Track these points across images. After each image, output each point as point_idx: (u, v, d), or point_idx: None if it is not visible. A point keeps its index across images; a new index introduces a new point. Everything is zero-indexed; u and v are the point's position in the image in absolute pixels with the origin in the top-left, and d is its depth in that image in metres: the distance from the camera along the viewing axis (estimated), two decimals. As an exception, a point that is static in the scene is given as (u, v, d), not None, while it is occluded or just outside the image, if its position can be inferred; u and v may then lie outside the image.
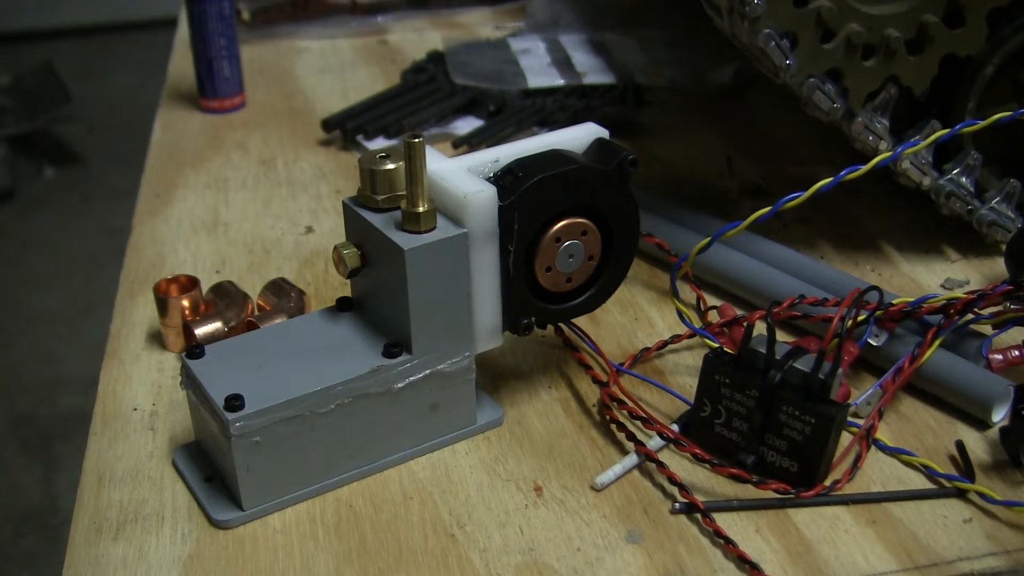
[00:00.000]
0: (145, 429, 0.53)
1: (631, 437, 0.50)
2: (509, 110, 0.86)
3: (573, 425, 0.53)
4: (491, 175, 0.49)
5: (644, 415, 0.50)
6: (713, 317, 0.60)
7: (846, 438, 0.50)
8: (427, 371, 0.49)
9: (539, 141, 0.51)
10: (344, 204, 0.50)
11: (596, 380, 0.53)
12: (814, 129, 0.79)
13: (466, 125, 0.85)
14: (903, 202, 0.70)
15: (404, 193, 0.47)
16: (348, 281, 0.52)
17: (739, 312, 0.59)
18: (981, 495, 0.47)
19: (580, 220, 0.50)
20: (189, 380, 0.49)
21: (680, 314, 0.57)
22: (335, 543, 0.46)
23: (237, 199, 0.76)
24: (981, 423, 0.52)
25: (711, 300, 0.61)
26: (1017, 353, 0.53)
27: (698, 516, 0.47)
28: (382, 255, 0.48)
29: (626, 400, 0.52)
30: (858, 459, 0.49)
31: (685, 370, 0.57)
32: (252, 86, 0.94)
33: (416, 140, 0.45)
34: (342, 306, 0.52)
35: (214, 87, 0.89)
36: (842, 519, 0.47)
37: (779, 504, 0.47)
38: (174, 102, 0.92)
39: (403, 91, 0.89)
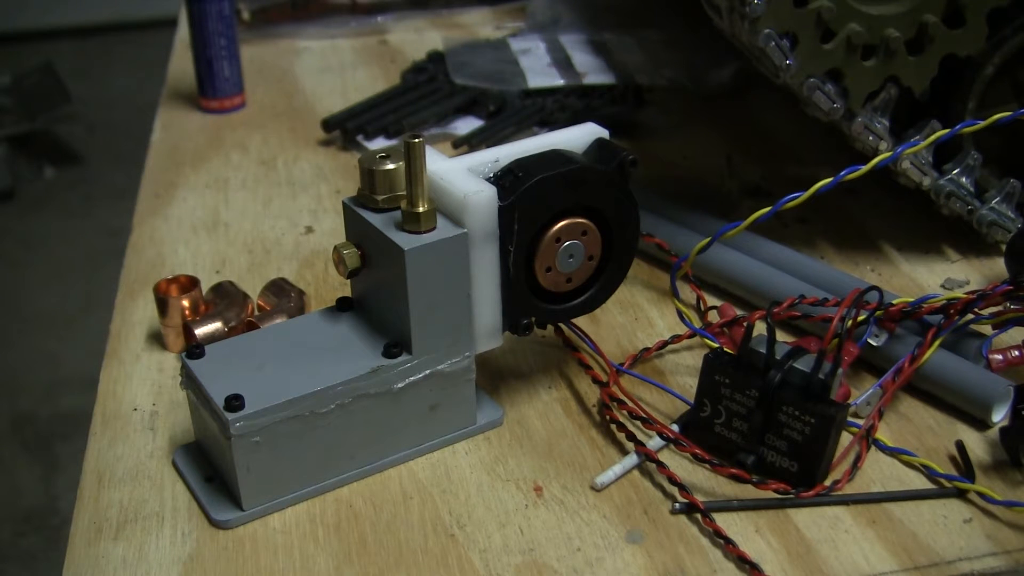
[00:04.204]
0: (145, 429, 0.53)
1: (631, 437, 0.50)
2: (509, 110, 0.86)
3: (573, 425, 0.53)
4: (491, 175, 0.49)
5: (644, 415, 0.50)
6: (713, 317, 0.60)
7: (846, 438, 0.50)
8: (427, 371, 0.49)
9: (539, 141, 0.51)
10: (344, 204, 0.50)
11: (596, 380, 0.53)
12: (814, 129, 0.79)
13: (466, 125, 0.85)
14: (903, 202, 0.70)
15: (404, 193, 0.47)
16: (348, 281, 0.52)
17: (739, 312, 0.59)
18: (981, 495, 0.47)
19: (580, 220, 0.50)
20: (189, 380, 0.49)
21: (680, 314, 0.57)
22: (335, 543, 0.46)
23: (237, 199, 0.76)
24: (981, 423, 0.52)
25: (711, 300, 0.61)
26: (1017, 353, 0.53)
27: (698, 516, 0.47)
28: (382, 255, 0.48)
29: (626, 400, 0.52)
30: (858, 459, 0.49)
31: (685, 370, 0.57)
32: (252, 86, 0.94)
33: (416, 140, 0.45)
34: (342, 306, 0.52)
35: (214, 87, 0.89)
36: (842, 519, 0.47)
37: (779, 504, 0.47)
38: (174, 102, 0.92)
39: (403, 91, 0.89)
